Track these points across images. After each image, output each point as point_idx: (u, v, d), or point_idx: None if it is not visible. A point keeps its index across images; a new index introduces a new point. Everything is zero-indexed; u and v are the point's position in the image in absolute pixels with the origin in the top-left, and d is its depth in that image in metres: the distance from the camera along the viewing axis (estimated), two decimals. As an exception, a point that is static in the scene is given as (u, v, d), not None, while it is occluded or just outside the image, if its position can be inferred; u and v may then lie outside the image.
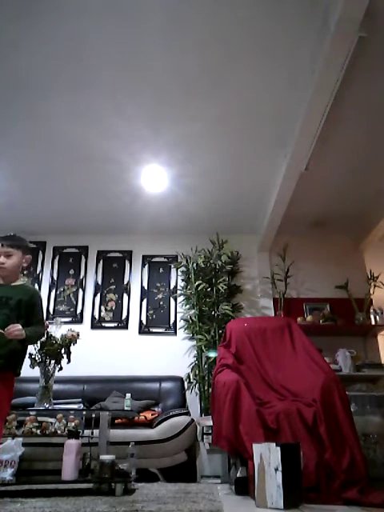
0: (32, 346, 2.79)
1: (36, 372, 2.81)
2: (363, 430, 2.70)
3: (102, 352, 4.15)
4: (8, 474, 2.40)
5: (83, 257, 4.64)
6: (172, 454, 3.05)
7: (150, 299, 4.46)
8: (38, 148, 3.36)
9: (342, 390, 2.44)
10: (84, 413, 2.72)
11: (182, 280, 4.40)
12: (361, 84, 2.67)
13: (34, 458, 2.76)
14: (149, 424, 3.21)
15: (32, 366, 2.78)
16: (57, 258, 4.64)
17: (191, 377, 3.89)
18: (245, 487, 2.21)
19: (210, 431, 2.94)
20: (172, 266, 4.53)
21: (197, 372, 3.88)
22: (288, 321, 3.26)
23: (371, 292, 4.26)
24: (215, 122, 3.09)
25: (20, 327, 1.91)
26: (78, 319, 4.35)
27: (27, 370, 2.79)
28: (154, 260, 4.62)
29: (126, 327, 4.34)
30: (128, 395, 3.18)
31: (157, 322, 4.36)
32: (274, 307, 4.35)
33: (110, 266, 4.61)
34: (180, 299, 4.35)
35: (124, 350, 4.19)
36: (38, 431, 2.46)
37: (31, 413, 2.55)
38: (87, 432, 2.53)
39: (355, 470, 2.16)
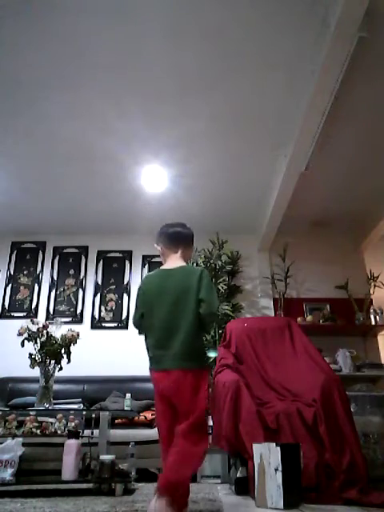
0: (32, 345, 2.81)
1: (36, 372, 2.80)
2: (363, 430, 2.69)
3: (102, 352, 4.15)
4: (8, 474, 2.39)
5: (83, 257, 4.64)
6: (172, 454, 3.05)
7: (150, 299, 4.45)
8: (38, 148, 3.36)
9: (342, 390, 2.43)
10: (84, 413, 2.72)
11: (182, 280, 4.39)
12: (361, 84, 2.67)
13: (34, 458, 2.75)
14: (149, 424, 3.21)
15: (32, 365, 2.78)
16: (57, 257, 4.64)
17: (191, 377, 3.88)
18: (245, 487, 2.20)
19: (210, 431, 2.94)
20: (172, 266, 4.53)
21: (197, 372, 3.87)
22: (288, 321, 3.25)
23: (371, 292, 4.26)
24: (215, 122, 3.09)
25: None
26: (78, 319, 4.35)
27: (27, 370, 2.80)
28: (153, 260, 4.61)
29: (125, 327, 4.34)
30: (128, 395, 3.17)
31: (157, 322, 4.35)
32: (273, 307, 4.35)
33: (110, 266, 4.61)
34: (180, 299, 4.35)
35: (124, 350, 4.18)
36: (38, 431, 2.46)
37: (31, 413, 2.55)
38: (87, 432, 2.53)
39: (355, 470, 2.15)
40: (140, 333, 1.86)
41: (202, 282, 1.78)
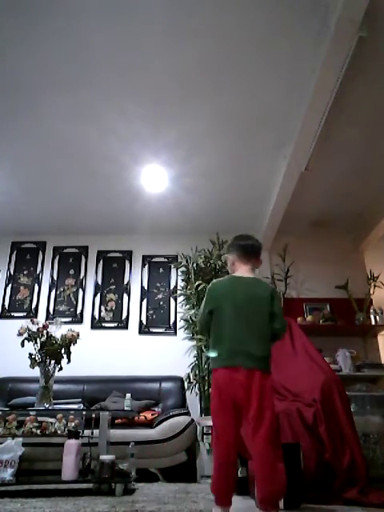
0: (32, 345, 2.80)
1: (36, 372, 2.80)
2: (363, 430, 2.69)
3: (102, 352, 4.15)
4: (8, 474, 2.39)
5: (83, 257, 4.64)
6: (172, 454, 3.05)
7: (149, 299, 4.45)
8: (37, 148, 3.36)
9: (342, 390, 2.44)
10: (84, 413, 2.72)
11: (182, 280, 4.39)
12: (360, 84, 2.67)
13: (34, 458, 2.76)
14: (149, 424, 3.21)
15: (32, 366, 2.78)
16: (57, 258, 4.64)
17: (191, 377, 3.88)
18: (245, 487, 2.21)
19: (210, 431, 2.94)
20: (172, 266, 4.53)
21: (197, 372, 3.87)
22: (288, 321, 3.25)
23: (371, 292, 4.25)
24: (215, 122, 3.09)
25: None
26: (78, 319, 4.35)
27: (27, 370, 2.80)
28: (154, 260, 4.62)
29: (126, 327, 4.34)
30: (128, 395, 3.18)
31: (157, 321, 4.36)
32: (274, 307, 4.34)
33: (110, 266, 4.61)
34: (180, 299, 4.35)
35: (124, 350, 4.18)
36: (38, 431, 2.46)
37: (31, 413, 2.55)
38: (87, 432, 2.53)
39: (355, 470, 2.16)
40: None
41: (275, 296, 1.88)
